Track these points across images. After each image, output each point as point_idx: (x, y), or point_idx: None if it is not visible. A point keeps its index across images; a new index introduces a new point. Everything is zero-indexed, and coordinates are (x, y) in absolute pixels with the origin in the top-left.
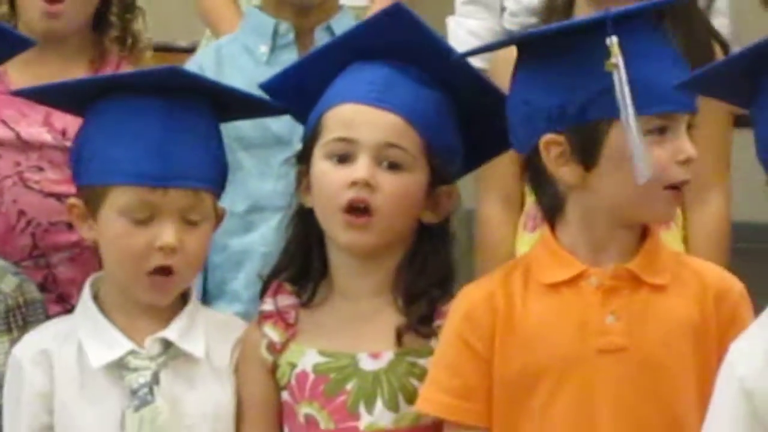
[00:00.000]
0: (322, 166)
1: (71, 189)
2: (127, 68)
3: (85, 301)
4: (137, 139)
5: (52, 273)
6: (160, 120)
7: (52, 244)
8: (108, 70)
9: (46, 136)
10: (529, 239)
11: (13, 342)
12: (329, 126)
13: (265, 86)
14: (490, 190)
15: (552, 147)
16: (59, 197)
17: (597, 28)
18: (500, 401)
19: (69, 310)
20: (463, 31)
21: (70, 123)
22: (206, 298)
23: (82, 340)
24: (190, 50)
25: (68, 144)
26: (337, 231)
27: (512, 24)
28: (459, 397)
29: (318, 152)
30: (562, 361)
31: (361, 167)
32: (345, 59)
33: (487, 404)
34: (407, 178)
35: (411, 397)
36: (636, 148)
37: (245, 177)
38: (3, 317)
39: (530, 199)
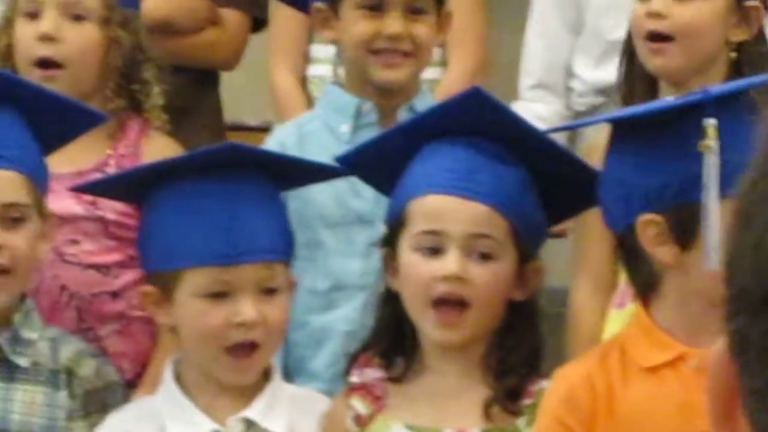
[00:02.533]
0: (410, 258)
1: (109, 258)
2: (149, 137)
3: (167, 381)
4: (203, 220)
5: (101, 346)
6: (223, 197)
7: (98, 315)
8: (131, 140)
9: (77, 208)
10: (616, 316)
11: (92, 426)
12: (415, 217)
13: (341, 159)
14: (582, 275)
15: (649, 227)
16: (98, 268)
17: (696, 109)
18: None
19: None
20: (531, 116)
21: None
22: (285, 376)
23: (165, 421)
24: (259, 129)
25: (99, 213)
26: (428, 327)
27: (580, 105)
28: None
29: (405, 243)
30: None
31: (452, 261)
32: (423, 137)
33: None
34: (498, 266)
35: None
36: (712, 234)
37: (327, 255)
38: (81, 402)
39: (623, 278)
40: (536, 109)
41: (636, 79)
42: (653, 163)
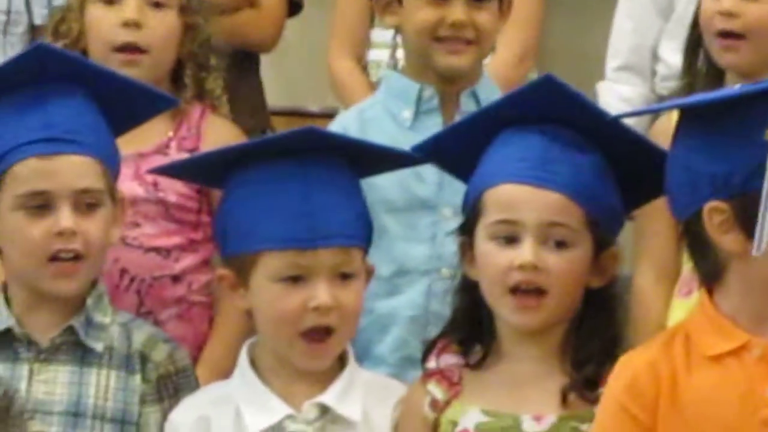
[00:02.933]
0: (486, 248)
1: (169, 242)
2: (210, 119)
3: (242, 366)
4: (281, 204)
5: None
6: (301, 182)
7: (159, 299)
8: (192, 122)
9: (139, 190)
10: (680, 304)
11: (165, 411)
12: (490, 207)
13: (418, 148)
14: (644, 261)
15: (715, 214)
16: (159, 251)
17: (764, 96)
18: None
19: None
20: (615, 97)
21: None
22: None
23: (240, 405)
24: (320, 115)
25: (161, 195)
26: (506, 312)
27: (663, 89)
28: None
29: (481, 232)
30: None
31: (527, 250)
32: (498, 126)
33: None
34: (573, 254)
35: None
36: (765, 221)
37: (390, 241)
38: (154, 386)
39: (687, 266)
40: (621, 90)
41: (702, 69)
42: (720, 151)
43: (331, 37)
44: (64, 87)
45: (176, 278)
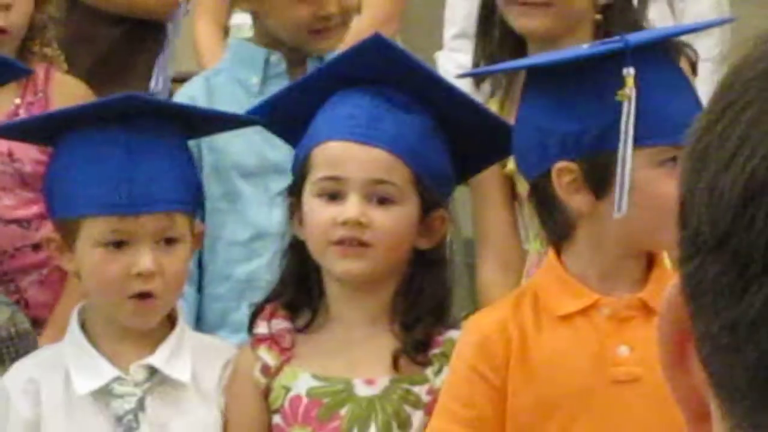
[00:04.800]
0: (312, 204)
1: (29, 212)
2: (56, 79)
3: (72, 328)
4: (103, 169)
5: (23, 298)
6: (123, 148)
7: (20, 267)
8: (39, 86)
9: None
10: None
11: None
12: (317, 164)
13: (253, 112)
14: (488, 254)
15: (564, 174)
16: (20, 222)
17: (615, 57)
18: None
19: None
20: (453, 66)
21: (15, 143)
22: (206, 329)
23: (69, 367)
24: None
25: (17, 166)
26: (331, 263)
27: None
28: (472, 428)
29: (308, 189)
30: (577, 393)
31: (351, 206)
32: (329, 87)
33: None
34: (398, 211)
35: (404, 424)
36: (623, 182)
37: (245, 205)
38: None
39: (533, 248)
40: (458, 58)
41: (501, 37)
42: (570, 111)
43: (196, 3)
44: None
45: (37, 246)
